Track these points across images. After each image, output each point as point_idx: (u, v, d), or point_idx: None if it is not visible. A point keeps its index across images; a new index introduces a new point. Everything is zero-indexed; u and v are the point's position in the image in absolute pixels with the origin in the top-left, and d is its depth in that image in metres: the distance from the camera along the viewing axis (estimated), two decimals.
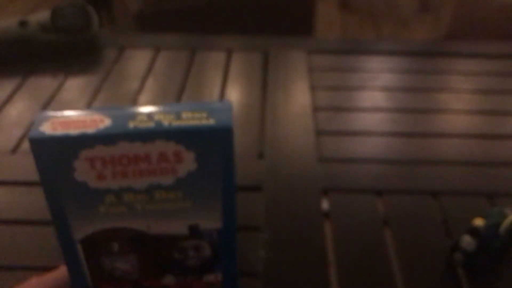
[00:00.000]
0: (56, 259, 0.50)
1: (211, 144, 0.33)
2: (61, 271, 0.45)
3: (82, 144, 0.32)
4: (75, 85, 0.89)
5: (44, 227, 0.61)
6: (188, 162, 0.34)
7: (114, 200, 0.35)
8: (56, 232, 0.36)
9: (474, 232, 0.54)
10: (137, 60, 0.96)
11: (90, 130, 0.32)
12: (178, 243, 0.37)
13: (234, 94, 0.87)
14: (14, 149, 0.74)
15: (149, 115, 0.33)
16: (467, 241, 0.54)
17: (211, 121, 0.33)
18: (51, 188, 0.34)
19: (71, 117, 0.33)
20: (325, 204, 0.64)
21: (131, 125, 0.32)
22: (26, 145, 0.75)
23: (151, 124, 0.32)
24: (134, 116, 0.33)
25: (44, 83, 0.89)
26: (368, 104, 0.85)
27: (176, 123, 0.32)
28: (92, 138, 0.32)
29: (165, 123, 0.32)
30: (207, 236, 0.37)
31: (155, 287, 0.39)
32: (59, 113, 0.34)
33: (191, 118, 0.33)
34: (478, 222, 0.54)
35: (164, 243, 0.37)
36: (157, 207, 0.35)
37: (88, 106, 0.84)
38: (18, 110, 0.83)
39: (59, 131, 0.32)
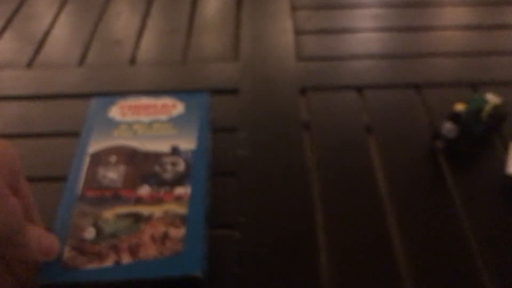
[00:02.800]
0: (59, 170, 0.52)
1: (195, 102, 0.56)
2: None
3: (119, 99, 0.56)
4: None
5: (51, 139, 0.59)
6: (180, 109, 0.54)
7: (126, 128, 0.52)
8: (77, 148, 0.50)
9: (455, 117, 0.52)
10: None
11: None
12: (161, 158, 0.49)
13: None
14: None
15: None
16: (448, 127, 0.52)
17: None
18: (89, 123, 0.53)
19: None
20: (305, 115, 0.61)
21: None
22: None
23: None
24: None
25: None
26: (349, 0, 0.81)
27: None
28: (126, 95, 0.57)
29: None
30: (183, 154, 0.49)
31: (131, 196, 0.46)
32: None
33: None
34: (460, 107, 0.52)
35: (150, 158, 0.49)
36: (153, 132, 0.52)
37: (56, 19, 0.80)
38: None
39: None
